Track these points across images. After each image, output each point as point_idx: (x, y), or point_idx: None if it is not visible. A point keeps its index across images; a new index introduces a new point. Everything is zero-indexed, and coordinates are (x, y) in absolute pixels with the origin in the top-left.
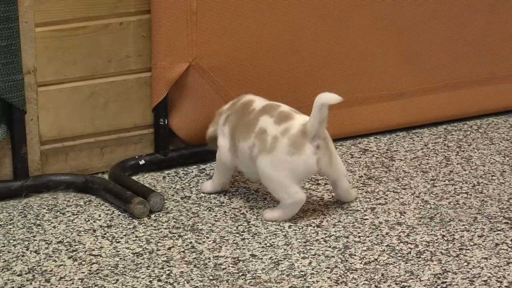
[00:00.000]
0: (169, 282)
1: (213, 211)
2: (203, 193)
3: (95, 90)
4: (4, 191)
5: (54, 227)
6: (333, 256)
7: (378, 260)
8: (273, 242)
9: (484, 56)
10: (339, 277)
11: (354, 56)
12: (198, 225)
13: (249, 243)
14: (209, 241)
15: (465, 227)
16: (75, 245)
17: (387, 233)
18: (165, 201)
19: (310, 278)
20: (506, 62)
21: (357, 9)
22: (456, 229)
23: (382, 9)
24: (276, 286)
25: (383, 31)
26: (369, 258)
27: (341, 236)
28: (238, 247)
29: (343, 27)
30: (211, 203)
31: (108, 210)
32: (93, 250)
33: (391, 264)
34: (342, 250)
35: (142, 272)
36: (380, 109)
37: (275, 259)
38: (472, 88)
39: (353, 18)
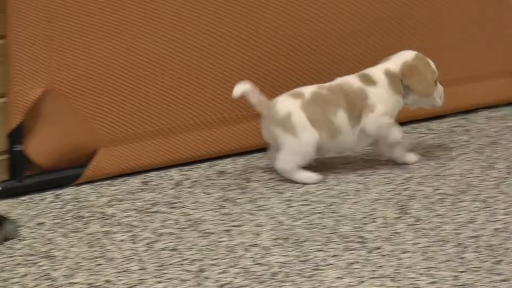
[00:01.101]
0: None
1: (68, 237)
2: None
3: None
4: None
5: None
6: (188, 280)
7: (233, 282)
8: (128, 267)
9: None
10: None
11: (208, 79)
12: (53, 252)
13: (104, 269)
14: (64, 267)
15: (319, 247)
16: None
17: (242, 255)
18: (20, 228)
19: None
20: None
21: (207, 35)
22: (311, 249)
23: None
24: None
25: (235, 57)
26: (224, 281)
27: (196, 260)
28: (93, 273)
29: (195, 51)
30: (66, 229)
31: None
32: None
33: (246, 286)
34: (197, 273)
35: None
36: (235, 130)
37: (130, 284)
38: None
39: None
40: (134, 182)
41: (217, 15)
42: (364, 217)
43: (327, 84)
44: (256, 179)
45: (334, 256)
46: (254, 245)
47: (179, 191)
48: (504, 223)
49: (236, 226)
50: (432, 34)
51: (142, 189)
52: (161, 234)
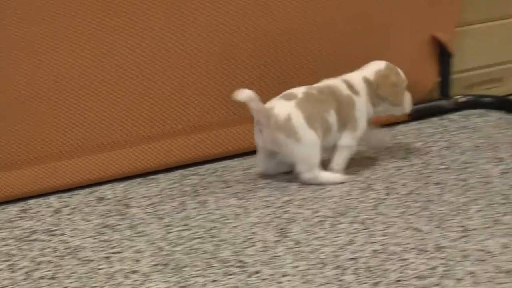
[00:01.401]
0: None
1: None
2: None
3: None
4: None
5: None
6: None
7: None
8: None
9: (216, 102)
10: None
11: (98, 103)
12: None
13: None
14: None
15: (199, 272)
16: None
17: (121, 282)
18: None
19: None
20: (235, 107)
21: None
22: (190, 274)
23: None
24: None
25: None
26: None
27: None
28: None
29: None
30: None
31: None
32: None
33: None
34: None
35: None
36: (114, 156)
37: None
38: (206, 132)
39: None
40: (12, 210)
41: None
42: (244, 241)
43: (315, 86)
44: (135, 204)
45: (214, 281)
46: (133, 272)
47: (58, 218)
48: (383, 244)
49: (115, 253)
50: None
51: (20, 217)
52: (39, 263)
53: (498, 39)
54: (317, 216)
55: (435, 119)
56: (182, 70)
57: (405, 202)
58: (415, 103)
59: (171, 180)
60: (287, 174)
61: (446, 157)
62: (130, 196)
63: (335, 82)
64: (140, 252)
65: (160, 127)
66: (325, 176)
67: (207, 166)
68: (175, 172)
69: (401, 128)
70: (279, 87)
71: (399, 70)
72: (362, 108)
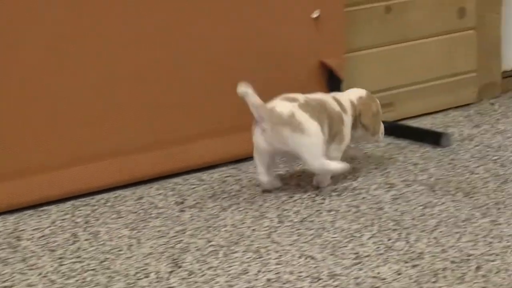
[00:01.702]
0: None
1: None
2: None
3: None
4: None
5: None
6: None
7: None
8: None
9: (103, 132)
10: None
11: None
12: None
13: None
14: None
15: None
16: None
17: None
18: None
19: None
20: (126, 136)
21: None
22: None
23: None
24: None
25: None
26: None
27: None
28: None
29: None
30: None
31: None
32: None
33: None
34: None
35: None
36: (5, 188)
37: None
38: (99, 162)
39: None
40: None
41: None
42: (137, 273)
43: (311, 96)
44: (27, 237)
45: None
46: None
47: None
48: (277, 273)
49: (7, 287)
50: None
51: None
52: None
53: (387, 64)
54: (211, 246)
55: None
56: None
57: (298, 229)
58: None
59: (63, 211)
60: (179, 203)
61: (338, 183)
62: (21, 229)
63: (327, 99)
64: (32, 285)
65: (50, 159)
66: (333, 164)
67: (99, 196)
68: (66, 203)
69: None
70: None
71: (377, 99)
72: (348, 125)
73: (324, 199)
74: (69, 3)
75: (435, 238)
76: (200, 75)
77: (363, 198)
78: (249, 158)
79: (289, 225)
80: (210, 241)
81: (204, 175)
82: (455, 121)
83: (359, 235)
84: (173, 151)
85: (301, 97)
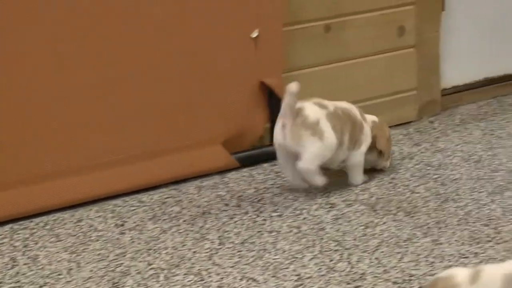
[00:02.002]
0: None
1: None
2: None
3: None
4: None
5: None
6: None
7: None
8: None
9: (39, 157)
10: None
11: None
12: None
13: None
14: None
15: None
16: None
17: None
18: None
19: None
20: (64, 159)
21: None
22: None
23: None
24: None
25: None
26: None
27: None
28: None
29: None
30: None
31: None
32: None
33: None
34: None
35: None
36: None
37: None
38: (37, 184)
39: None
40: None
41: None
42: None
43: (338, 104)
44: None
45: None
46: None
47: None
48: None
49: None
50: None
51: None
52: None
53: (327, 83)
54: (151, 269)
55: (266, 165)
56: None
57: (239, 251)
58: (245, 149)
59: (1, 235)
60: (119, 226)
61: (279, 204)
62: None
63: (352, 107)
64: None
65: None
66: (319, 177)
67: (37, 219)
68: (4, 226)
69: (232, 175)
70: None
71: (387, 126)
72: (367, 136)
73: (265, 220)
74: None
75: (376, 258)
76: (136, 97)
77: (304, 218)
78: (189, 179)
79: (230, 247)
80: (151, 264)
81: (144, 197)
82: (395, 139)
83: (300, 256)
84: (112, 173)
85: (331, 105)
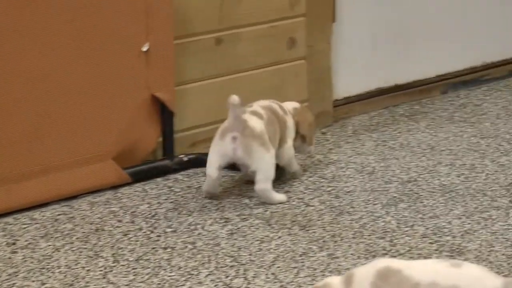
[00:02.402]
0: None
1: None
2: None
3: None
4: None
5: None
6: None
7: None
8: None
9: None
10: None
11: None
12: None
13: None
14: None
15: None
16: None
17: None
18: None
19: None
20: None
21: None
22: None
23: None
24: None
25: None
26: None
27: None
28: None
29: None
30: None
31: None
32: None
33: None
34: None
35: None
36: None
37: None
38: None
39: None
40: None
41: None
42: None
43: (266, 105)
44: None
45: None
46: None
47: None
48: None
49: None
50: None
51: None
52: None
53: (218, 96)
54: None
55: (159, 179)
56: None
57: (134, 269)
58: (137, 164)
59: None
60: (11, 244)
61: (173, 219)
62: None
63: (272, 104)
64: None
65: None
66: (275, 196)
67: None
68: None
69: (125, 190)
70: None
71: (310, 111)
72: (290, 131)
73: (159, 236)
74: None
75: (273, 274)
76: (23, 113)
77: (199, 234)
78: (81, 195)
79: (125, 264)
80: (44, 284)
81: (36, 214)
82: None
83: (196, 272)
84: (2, 191)
85: (263, 112)
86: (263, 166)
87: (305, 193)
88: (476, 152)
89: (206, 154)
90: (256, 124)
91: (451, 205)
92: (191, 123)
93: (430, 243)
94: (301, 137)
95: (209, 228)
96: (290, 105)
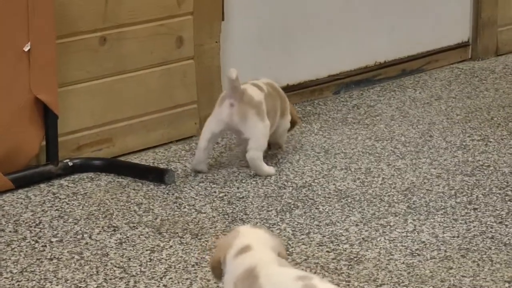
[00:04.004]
0: None
1: None
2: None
3: None
4: None
5: None
6: None
7: None
8: None
9: None
10: None
11: None
12: None
13: None
14: None
15: None
16: None
17: None
18: None
19: None
20: None
21: None
22: None
23: None
24: None
25: None
26: None
27: None
28: None
29: None
30: None
31: None
32: None
33: None
34: None
35: None
36: None
37: None
38: None
39: None
40: None
41: None
42: None
43: (265, 81)
44: None
45: None
46: None
47: None
48: None
49: None
50: None
51: None
52: None
53: (104, 98)
54: None
55: (43, 185)
56: None
57: (19, 281)
58: (20, 169)
59: None
60: None
61: (59, 228)
62: None
63: (272, 81)
64: None
65: None
66: (265, 167)
67: None
68: None
69: (7, 197)
70: None
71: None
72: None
73: (44, 246)
74: None
75: (164, 286)
76: None
77: (86, 243)
78: None
79: (9, 277)
80: None
81: None
82: (177, 155)
83: (84, 285)
84: None
85: (265, 87)
86: (256, 134)
87: (196, 199)
88: (371, 156)
89: (92, 159)
90: (255, 93)
91: (348, 211)
92: (75, 126)
93: (327, 251)
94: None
95: (96, 237)
96: (262, 80)
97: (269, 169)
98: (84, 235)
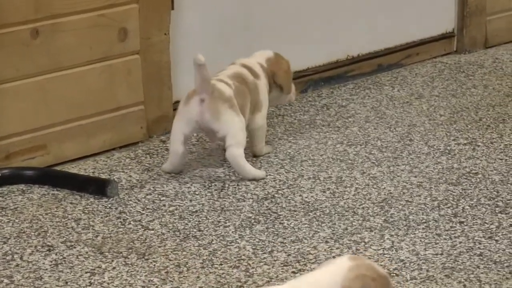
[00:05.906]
0: None
1: None
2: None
3: None
4: None
5: None
6: None
7: None
8: None
9: None
10: None
11: None
12: None
13: None
14: None
15: None
16: None
17: None
18: None
19: None
20: None
21: None
22: None
23: None
24: None
25: None
26: None
27: None
28: None
29: None
30: None
31: None
32: None
33: None
34: None
35: None
36: None
37: None
38: None
39: None
40: None
41: None
42: None
43: (232, 74)
44: None
45: None
46: None
47: None
48: None
49: None
50: None
51: None
52: None
53: (36, 99)
54: None
55: None
56: None
57: None
58: None
59: None
60: None
61: None
62: None
63: (240, 70)
64: None
65: None
66: (249, 167)
67: None
68: None
69: None
70: None
71: (285, 57)
72: (264, 94)
73: None
74: None
75: None
76: None
77: (17, 265)
78: None
79: None
80: None
81: None
82: (121, 164)
83: None
84: None
85: (231, 82)
86: (232, 129)
87: (143, 213)
88: (343, 163)
89: (23, 169)
90: (225, 88)
91: (316, 226)
92: (4, 131)
93: (293, 272)
94: (278, 87)
95: (28, 258)
96: (262, 57)
97: (256, 170)
98: (15, 256)
